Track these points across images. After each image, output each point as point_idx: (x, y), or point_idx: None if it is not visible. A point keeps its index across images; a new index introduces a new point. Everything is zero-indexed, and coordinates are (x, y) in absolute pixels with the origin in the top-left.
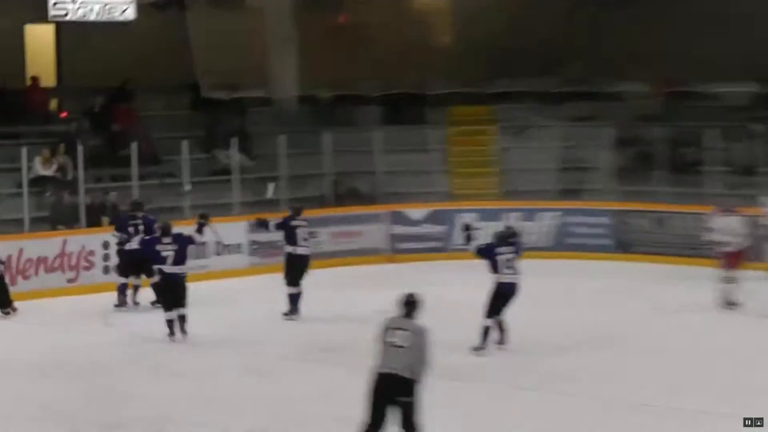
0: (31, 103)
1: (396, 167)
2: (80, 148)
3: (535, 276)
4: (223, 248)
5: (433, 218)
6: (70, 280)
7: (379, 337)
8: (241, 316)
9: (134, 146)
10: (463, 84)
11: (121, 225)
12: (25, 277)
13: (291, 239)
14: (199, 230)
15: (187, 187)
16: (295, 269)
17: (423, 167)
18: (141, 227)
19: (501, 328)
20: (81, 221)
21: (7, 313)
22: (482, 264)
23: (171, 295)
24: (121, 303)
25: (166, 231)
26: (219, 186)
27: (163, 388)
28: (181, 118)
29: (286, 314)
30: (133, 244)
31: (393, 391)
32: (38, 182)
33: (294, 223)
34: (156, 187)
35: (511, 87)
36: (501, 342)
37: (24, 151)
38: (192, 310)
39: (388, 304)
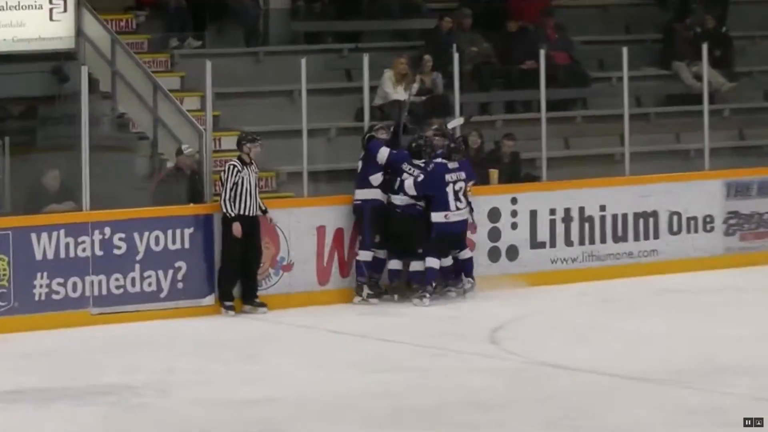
0: None
1: None
2: (456, 58)
3: None
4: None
5: None
6: None
7: None
8: (696, 334)
9: (542, 56)
10: None
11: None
12: None
13: None
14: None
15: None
16: None
17: None
18: None
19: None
20: None
21: (261, 305)
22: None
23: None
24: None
25: (417, 153)
26: (677, 120)
27: None
28: (617, 13)
29: None
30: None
31: None
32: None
33: None
34: (580, 122)
35: None
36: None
37: (365, 60)
38: (617, 318)
39: None
